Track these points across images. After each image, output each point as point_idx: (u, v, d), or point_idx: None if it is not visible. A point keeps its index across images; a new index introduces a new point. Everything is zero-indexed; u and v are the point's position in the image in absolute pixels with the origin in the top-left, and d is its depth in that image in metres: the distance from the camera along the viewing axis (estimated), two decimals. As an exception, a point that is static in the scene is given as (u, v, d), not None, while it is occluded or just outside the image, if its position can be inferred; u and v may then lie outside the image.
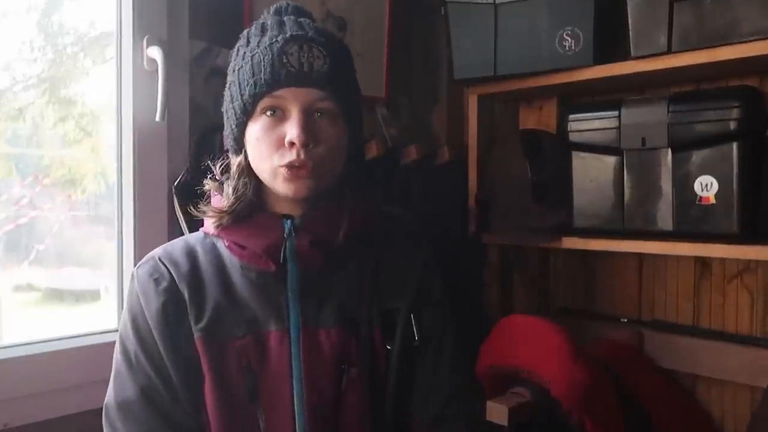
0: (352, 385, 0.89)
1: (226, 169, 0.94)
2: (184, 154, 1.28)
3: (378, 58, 1.64)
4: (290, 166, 0.86)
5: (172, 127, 1.27)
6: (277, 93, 0.85)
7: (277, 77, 0.84)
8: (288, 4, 0.95)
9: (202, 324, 0.88)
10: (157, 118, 1.21)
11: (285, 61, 0.84)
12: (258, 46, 0.87)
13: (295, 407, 0.87)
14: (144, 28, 1.24)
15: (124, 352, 0.89)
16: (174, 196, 1.23)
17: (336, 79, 0.87)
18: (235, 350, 0.87)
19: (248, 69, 0.86)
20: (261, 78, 0.84)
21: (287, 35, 0.86)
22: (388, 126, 1.66)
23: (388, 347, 0.91)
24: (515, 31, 1.54)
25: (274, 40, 0.86)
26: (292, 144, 0.85)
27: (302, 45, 0.85)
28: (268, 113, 0.86)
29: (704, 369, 1.53)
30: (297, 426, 0.86)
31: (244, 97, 0.86)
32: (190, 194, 1.02)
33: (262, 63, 0.85)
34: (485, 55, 1.58)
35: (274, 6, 0.95)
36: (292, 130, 0.84)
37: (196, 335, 0.88)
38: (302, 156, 0.85)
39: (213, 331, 0.88)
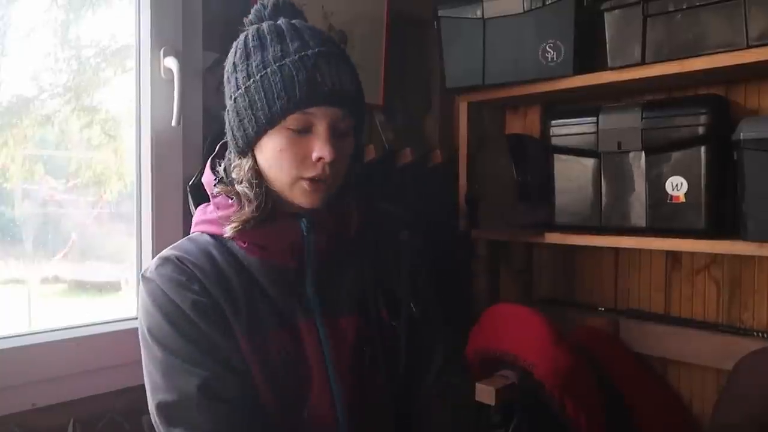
0: (372, 363, 0.90)
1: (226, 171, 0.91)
2: (198, 157, 1.28)
3: (376, 68, 1.64)
4: (312, 180, 0.84)
5: (187, 131, 1.27)
6: (310, 110, 0.82)
7: (312, 95, 0.81)
8: (283, 1, 0.91)
9: (242, 321, 0.84)
10: (173, 124, 1.21)
11: (320, 80, 0.81)
12: (284, 56, 0.82)
13: (333, 390, 0.87)
14: (161, 41, 1.24)
15: (166, 350, 0.81)
16: (189, 195, 1.22)
17: (359, 99, 0.86)
18: (275, 342, 0.85)
19: (278, 80, 0.81)
20: (296, 95, 0.80)
21: (316, 50, 0.82)
22: (385, 130, 1.66)
23: (393, 323, 0.93)
24: (502, 44, 1.56)
25: (303, 53, 0.82)
26: (319, 159, 0.82)
27: (330, 61, 0.83)
28: (293, 128, 0.83)
29: (674, 354, 1.54)
30: (337, 407, 0.87)
31: (273, 109, 0.81)
32: (203, 194, 1.01)
33: (296, 78, 0.80)
34: (474, 66, 1.60)
35: (271, 1, 0.90)
36: (322, 148, 0.82)
37: (238, 330, 0.84)
38: (327, 171, 0.83)
39: (253, 326, 0.85)
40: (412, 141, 1.72)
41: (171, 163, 1.26)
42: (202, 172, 1.22)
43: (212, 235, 0.91)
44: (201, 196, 0.98)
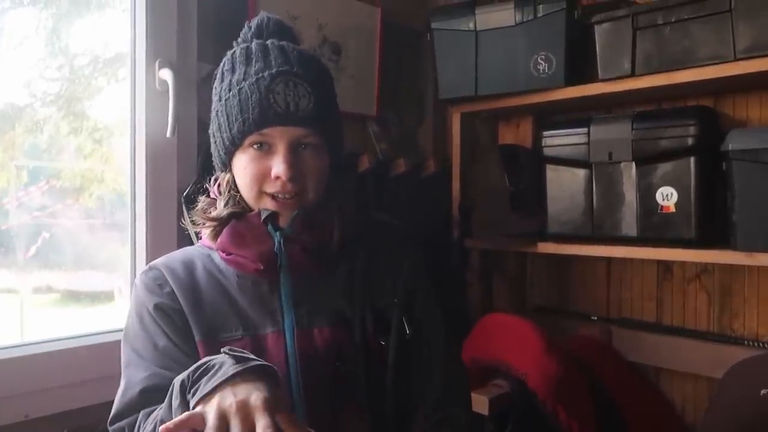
0: (347, 380, 0.87)
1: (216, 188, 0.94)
2: (192, 167, 1.29)
3: (370, 79, 1.65)
4: (275, 196, 0.87)
5: (181, 142, 1.28)
6: (265, 131, 0.85)
7: (264, 117, 0.83)
8: (269, 19, 0.93)
9: (202, 329, 0.86)
10: (168, 134, 1.22)
11: (272, 101, 0.83)
12: (245, 79, 0.85)
13: (295, 404, 0.84)
14: (156, 52, 1.24)
15: (134, 349, 0.87)
16: (183, 205, 1.22)
17: (320, 116, 0.86)
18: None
19: (236, 104, 0.85)
20: (249, 117, 0.84)
21: (273, 71, 0.84)
22: (378, 141, 1.67)
23: (382, 342, 0.90)
24: (494, 56, 1.56)
25: (260, 75, 0.84)
26: (277, 177, 0.85)
27: (288, 82, 0.84)
28: (256, 147, 0.86)
29: (666, 362, 1.54)
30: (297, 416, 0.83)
31: (232, 131, 0.86)
32: (197, 204, 1.01)
33: (250, 101, 0.83)
34: (467, 77, 1.60)
35: (256, 21, 0.93)
36: (278, 165, 0.85)
37: (197, 339, 0.86)
38: (288, 188, 0.86)
39: (212, 334, 0.86)
40: (405, 151, 1.73)
41: (165, 173, 1.26)
42: (196, 183, 1.24)
43: (204, 246, 0.95)
44: (195, 207, 0.99)
